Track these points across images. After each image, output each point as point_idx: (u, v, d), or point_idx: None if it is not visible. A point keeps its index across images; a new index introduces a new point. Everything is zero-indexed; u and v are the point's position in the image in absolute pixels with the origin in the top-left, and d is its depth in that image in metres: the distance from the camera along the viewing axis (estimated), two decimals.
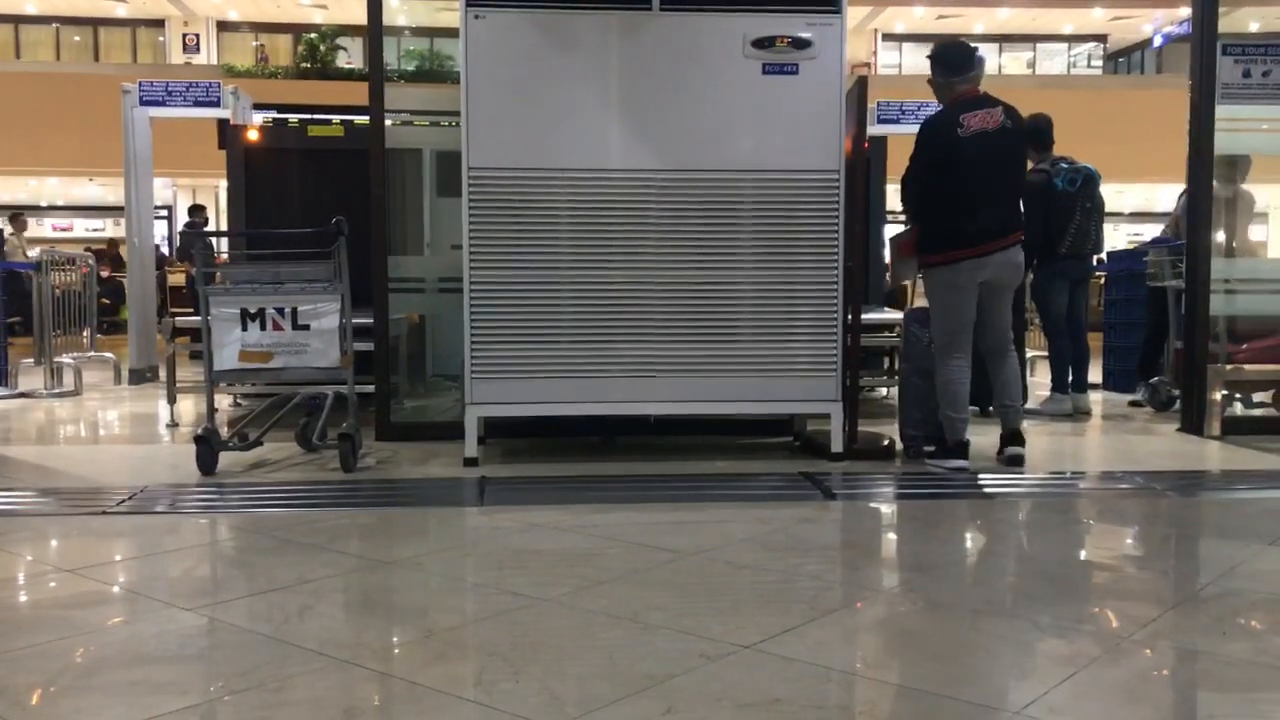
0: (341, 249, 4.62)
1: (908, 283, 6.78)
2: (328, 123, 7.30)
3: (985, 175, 4.61)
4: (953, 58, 4.79)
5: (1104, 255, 8.15)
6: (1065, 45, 28.81)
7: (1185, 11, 14.24)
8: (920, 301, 5.63)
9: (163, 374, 7.04)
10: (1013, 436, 4.78)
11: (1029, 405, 6.25)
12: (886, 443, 5.12)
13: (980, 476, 4.57)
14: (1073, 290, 6.59)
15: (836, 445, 4.86)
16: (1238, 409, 6.21)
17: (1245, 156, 6.55)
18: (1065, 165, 6.46)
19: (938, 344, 4.76)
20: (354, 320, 4.73)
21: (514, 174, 4.65)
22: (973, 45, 5.05)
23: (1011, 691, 2.34)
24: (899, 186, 4.88)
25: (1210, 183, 5.68)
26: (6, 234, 13.75)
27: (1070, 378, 6.54)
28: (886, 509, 4.29)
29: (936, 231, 4.72)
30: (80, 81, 19.10)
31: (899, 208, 5.16)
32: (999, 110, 4.67)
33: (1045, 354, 6.87)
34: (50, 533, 3.77)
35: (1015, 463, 4.72)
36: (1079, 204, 6.41)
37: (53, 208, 24.33)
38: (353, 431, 4.69)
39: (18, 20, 25.64)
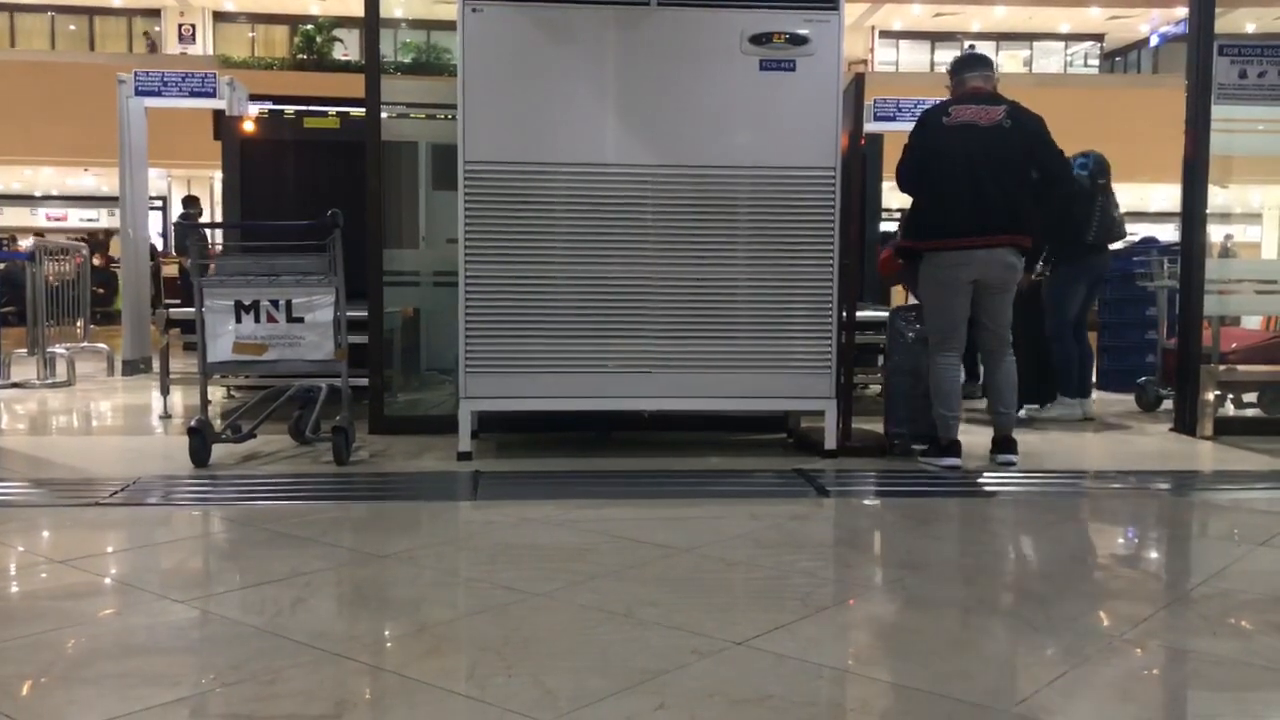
0: (337, 242, 4.62)
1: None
2: (324, 114, 7.28)
3: (971, 168, 4.55)
4: (961, 57, 4.94)
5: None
6: (1062, 44, 28.86)
7: (1182, 11, 14.25)
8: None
9: (156, 365, 7.02)
10: (1005, 443, 4.75)
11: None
12: (880, 440, 5.12)
13: (973, 475, 4.58)
14: (1090, 288, 6.37)
15: (830, 442, 4.86)
16: (1229, 409, 6.22)
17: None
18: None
19: (930, 341, 4.75)
20: (348, 313, 4.73)
21: (510, 168, 4.64)
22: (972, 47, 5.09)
23: (1003, 689, 2.35)
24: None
25: (1206, 183, 5.68)
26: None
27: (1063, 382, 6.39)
28: (879, 506, 4.30)
29: (920, 222, 4.73)
30: (75, 71, 19.05)
31: (895, 205, 5.16)
32: (1001, 109, 4.63)
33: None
34: (42, 524, 3.76)
35: (1008, 469, 4.71)
36: (1098, 188, 6.17)
37: (47, 198, 24.27)
38: (346, 425, 4.68)
39: (13, 9, 25.56)
